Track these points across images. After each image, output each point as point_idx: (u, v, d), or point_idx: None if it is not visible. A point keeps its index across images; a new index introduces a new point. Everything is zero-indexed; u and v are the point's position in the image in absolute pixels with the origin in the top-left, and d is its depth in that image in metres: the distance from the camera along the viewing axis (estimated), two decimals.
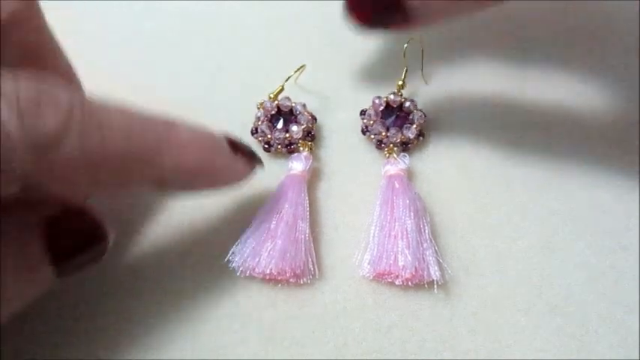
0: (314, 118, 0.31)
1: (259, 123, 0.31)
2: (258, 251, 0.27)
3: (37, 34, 0.25)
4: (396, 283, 0.26)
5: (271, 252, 0.27)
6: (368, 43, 0.35)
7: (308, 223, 0.28)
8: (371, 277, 0.27)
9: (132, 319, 0.26)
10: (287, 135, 0.30)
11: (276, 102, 0.31)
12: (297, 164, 0.29)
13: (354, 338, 0.25)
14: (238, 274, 0.27)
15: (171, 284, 0.27)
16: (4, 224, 0.21)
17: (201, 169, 0.24)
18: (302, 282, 0.27)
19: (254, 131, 0.31)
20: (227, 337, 0.26)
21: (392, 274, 0.26)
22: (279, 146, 0.30)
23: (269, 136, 0.30)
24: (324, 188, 0.30)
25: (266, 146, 0.31)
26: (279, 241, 0.27)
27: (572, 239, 0.28)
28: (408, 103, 0.31)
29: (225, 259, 0.27)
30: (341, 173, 0.30)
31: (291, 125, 0.31)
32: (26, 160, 0.19)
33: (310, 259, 0.27)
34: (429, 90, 0.33)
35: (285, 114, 0.31)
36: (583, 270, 0.27)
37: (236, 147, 0.25)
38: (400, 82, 0.32)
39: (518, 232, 0.28)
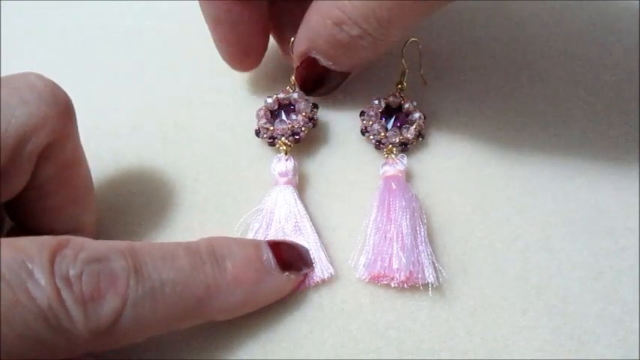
0: (315, 105, 0.31)
1: (260, 121, 0.31)
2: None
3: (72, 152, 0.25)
4: (392, 285, 0.26)
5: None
6: None
7: (311, 226, 0.28)
8: (366, 280, 0.27)
9: None
10: (289, 125, 0.30)
11: (275, 97, 0.31)
12: (281, 174, 0.29)
13: (352, 339, 0.25)
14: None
15: None
16: None
17: (251, 300, 0.24)
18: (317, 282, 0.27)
19: (258, 132, 0.31)
20: (225, 338, 0.26)
21: (387, 276, 0.26)
22: (283, 137, 0.30)
23: (271, 129, 0.30)
24: (321, 189, 0.30)
25: (270, 141, 0.30)
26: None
27: (571, 240, 0.28)
28: (407, 104, 0.31)
29: None
30: (339, 174, 0.30)
31: (291, 114, 0.31)
32: (87, 341, 0.20)
33: (325, 258, 0.27)
34: (428, 91, 0.33)
35: (285, 107, 0.31)
36: (581, 270, 0.27)
37: (285, 264, 0.25)
38: (400, 84, 0.32)
39: (517, 232, 0.28)
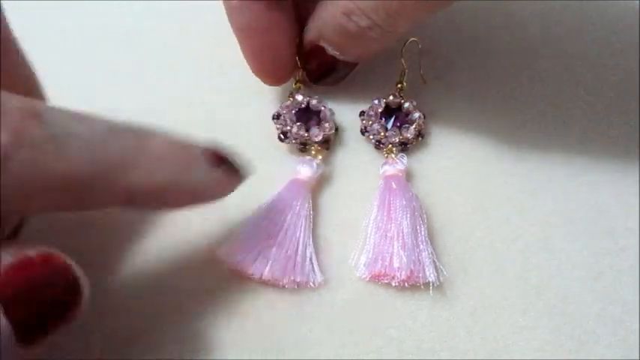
0: (336, 128, 0.31)
1: (284, 111, 0.30)
2: (254, 256, 0.26)
3: None
4: (392, 284, 0.26)
5: (269, 259, 0.26)
6: None
7: (311, 233, 0.27)
8: (367, 279, 0.27)
9: (129, 318, 0.26)
10: (306, 134, 0.30)
11: (307, 99, 0.31)
12: (306, 169, 0.29)
13: (351, 339, 0.25)
14: (232, 274, 0.26)
15: (168, 283, 0.27)
16: None
17: (173, 185, 0.21)
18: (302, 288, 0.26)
19: (276, 116, 0.31)
20: (224, 338, 0.26)
21: (387, 275, 0.26)
22: (295, 140, 0.30)
23: (288, 127, 0.30)
24: (321, 188, 0.30)
25: (282, 136, 0.30)
26: (279, 250, 0.27)
27: (571, 239, 0.28)
28: (407, 104, 0.31)
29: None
30: (339, 173, 0.30)
31: (312, 127, 0.30)
32: None
33: (312, 267, 0.27)
34: (428, 90, 0.33)
35: (311, 112, 0.31)
36: (581, 270, 0.27)
37: (217, 159, 0.23)
38: (399, 84, 0.32)
39: (517, 232, 0.28)
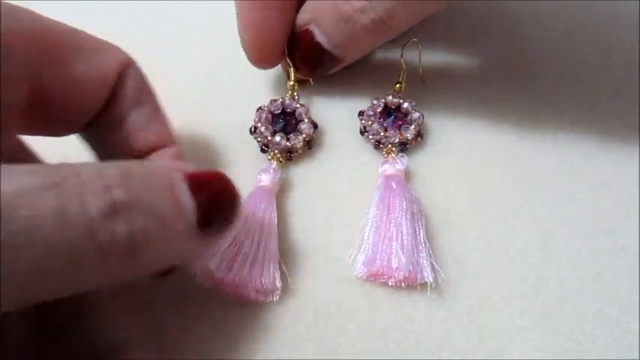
0: (315, 126, 0.31)
1: (259, 123, 0.31)
2: (218, 260, 0.26)
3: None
4: (389, 283, 0.26)
5: (233, 266, 0.26)
6: None
7: (276, 239, 0.27)
8: (364, 278, 0.27)
9: (129, 319, 0.26)
10: (287, 143, 0.30)
11: (280, 100, 0.31)
12: (266, 177, 0.29)
13: (349, 339, 0.26)
14: (202, 282, 0.26)
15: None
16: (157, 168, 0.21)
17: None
18: (263, 300, 0.26)
19: (253, 130, 0.31)
20: (222, 338, 0.26)
21: (385, 275, 0.26)
22: (276, 151, 0.30)
23: (268, 138, 0.30)
24: (319, 187, 0.30)
25: (264, 148, 0.30)
26: (240, 254, 0.26)
27: (569, 240, 0.28)
28: (406, 104, 0.31)
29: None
30: (337, 173, 0.30)
31: (292, 134, 0.30)
32: None
33: (274, 277, 0.26)
34: (427, 91, 0.33)
35: (287, 115, 0.31)
36: (580, 270, 0.27)
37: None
38: (398, 84, 0.32)
39: (515, 232, 0.28)
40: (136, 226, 0.19)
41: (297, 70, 0.31)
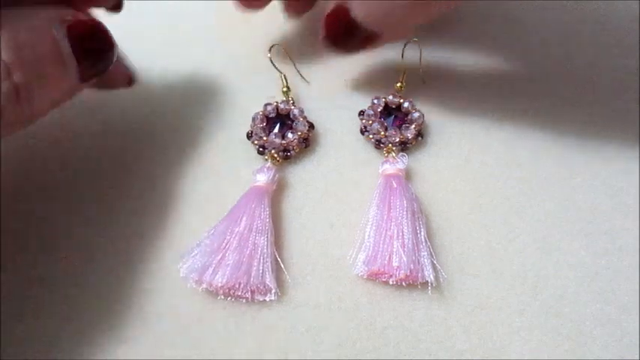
0: (311, 125, 0.31)
1: (255, 126, 0.31)
2: (207, 264, 0.26)
3: None
4: (390, 282, 0.26)
5: (222, 266, 0.26)
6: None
7: (268, 237, 0.27)
8: (365, 276, 0.27)
9: (128, 319, 0.26)
10: (283, 141, 0.30)
11: (275, 104, 0.31)
12: (261, 176, 0.29)
13: (349, 338, 0.26)
14: (189, 285, 0.26)
15: (165, 282, 0.27)
16: (38, 17, 0.24)
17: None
18: (257, 299, 0.26)
19: (250, 135, 0.31)
20: (222, 338, 0.26)
21: (386, 274, 0.26)
22: (273, 151, 0.30)
23: (264, 139, 0.30)
24: (319, 187, 0.30)
25: (260, 149, 0.31)
26: (231, 255, 0.26)
27: (568, 240, 0.28)
28: (406, 104, 0.31)
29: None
30: (337, 172, 0.30)
31: (287, 132, 0.30)
32: None
33: (267, 276, 0.26)
34: (427, 90, 0.33)
35: (283, 118, 0.31)
36: (578, 270, 0.27)
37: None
38: (399, 84, 0.32)
39: (514, 232, 0.28)
40: (19, 81, 0.22)
41: (327, 45, 0.30)
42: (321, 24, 0.30)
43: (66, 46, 0.24)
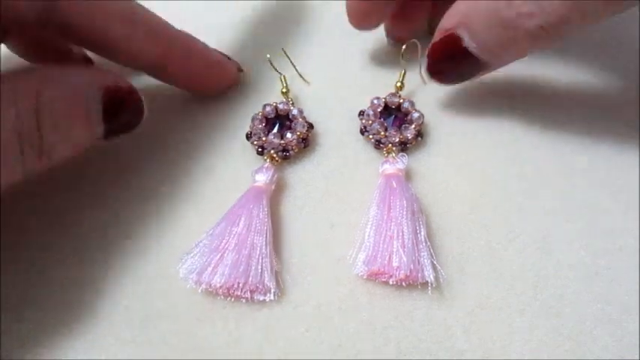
0: (310, 126, 0.31)
1: (254, 126, 0.31)
2: (206, 264, 0.26)
3: None
4: (390, 282, 0.26)
5: (220, 266, 0.26)
6: (367, 45, 0.35)
7: (266, 237, 0.27)
8: (365, 276, 0.27)
9: (128, 320, 0.26)
10: (282, 141, 0.30)
11: (274, 105, 0.31)
12: (260, 176, 0.29)
13: (349, 338, 0.26)
14: (188, 285, 0.26)
15: (166, 281, 0.27)
16: (75, 76, 0.24)
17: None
18: (257, 299, 0.26)
19: (249, 135, 0.31)
20: (222, 338, 0.26)
21: (386, 274, 0.26)
22: (273, 151, 0.30)
23: (263, 139, 0.30)
24: (319, 187, 0.30)
25: (260, 150, 0.31)
26: (230, 255, 0.26)
27: (569, 240, 0.28)
28: (406, 104, 0.31)
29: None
30: (337, 172, 0.30)
31: (285, 132, 0.30)
32: None
33: (266, 276, 0.26)
34: (427, 90, 0.33)
35: (282, 118, 0.31)
36: (578, 270, 0.27)
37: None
38: (399, 84, 0.32)
39: (514, 232, 0.28)
40: (46, 142, 0.23)
41: (432, 74, 0.29)
42: (427, 52, 0.29)
43: (97, 109, 0.25)
